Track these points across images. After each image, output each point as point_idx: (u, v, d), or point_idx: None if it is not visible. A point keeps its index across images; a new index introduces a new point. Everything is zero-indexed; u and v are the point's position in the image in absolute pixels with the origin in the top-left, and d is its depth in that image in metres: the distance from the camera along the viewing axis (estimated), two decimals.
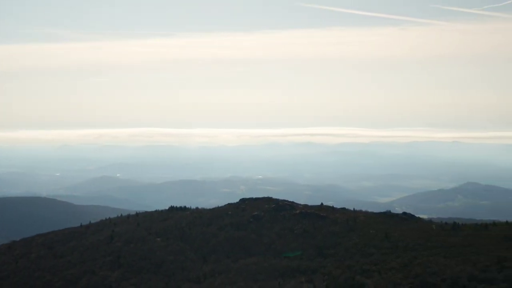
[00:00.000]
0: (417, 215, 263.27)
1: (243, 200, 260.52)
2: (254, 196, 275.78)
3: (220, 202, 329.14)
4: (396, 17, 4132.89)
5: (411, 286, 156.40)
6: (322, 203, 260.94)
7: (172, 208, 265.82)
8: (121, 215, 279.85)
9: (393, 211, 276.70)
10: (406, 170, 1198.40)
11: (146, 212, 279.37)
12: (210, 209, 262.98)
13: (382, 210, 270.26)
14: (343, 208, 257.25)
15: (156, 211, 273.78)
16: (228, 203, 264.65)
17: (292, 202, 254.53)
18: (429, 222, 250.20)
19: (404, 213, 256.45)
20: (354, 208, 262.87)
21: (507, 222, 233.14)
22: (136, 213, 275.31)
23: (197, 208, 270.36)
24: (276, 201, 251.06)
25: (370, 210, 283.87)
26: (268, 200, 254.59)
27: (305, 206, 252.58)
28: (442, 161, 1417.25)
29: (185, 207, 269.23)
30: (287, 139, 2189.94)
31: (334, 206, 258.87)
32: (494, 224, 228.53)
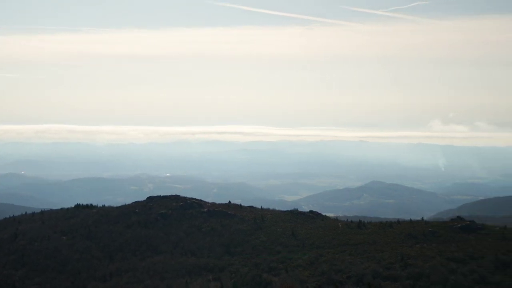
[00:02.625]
0: (323, 213, 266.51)
1: (150, 198, 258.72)
2: (162, 194, 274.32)
3: (128, 200, 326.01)
4: (304, 17, 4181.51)
5: (317, 283, 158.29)
6: (230, 201, 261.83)
7: (78, 206, 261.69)
8: (26, 213, 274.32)
9: (300, 209, 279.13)
10: (314, 168, 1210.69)
11: (51, 210, 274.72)
12: (117, 207, 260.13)
13: (289, 208, 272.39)
14: (251, 206, 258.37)
15: (62, 209, 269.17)
16: (136, 201, 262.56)
17: (200, 200, 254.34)
18: (335, 220, 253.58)
19: (311, 211, 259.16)
20: (261, 206, 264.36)
21: (411, 220, 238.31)
22: (41, 211, 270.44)
23: (104, 206, 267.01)
24: (184, 199, 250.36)
25: (277, 208, 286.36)
26: (176, 198, 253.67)
27: (213, 204, 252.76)
28: (349, 160, 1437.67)
29: (91, 205, 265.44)
30: (195, 137, 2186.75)
31: (242, 204, 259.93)
32: (398, 222, 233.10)
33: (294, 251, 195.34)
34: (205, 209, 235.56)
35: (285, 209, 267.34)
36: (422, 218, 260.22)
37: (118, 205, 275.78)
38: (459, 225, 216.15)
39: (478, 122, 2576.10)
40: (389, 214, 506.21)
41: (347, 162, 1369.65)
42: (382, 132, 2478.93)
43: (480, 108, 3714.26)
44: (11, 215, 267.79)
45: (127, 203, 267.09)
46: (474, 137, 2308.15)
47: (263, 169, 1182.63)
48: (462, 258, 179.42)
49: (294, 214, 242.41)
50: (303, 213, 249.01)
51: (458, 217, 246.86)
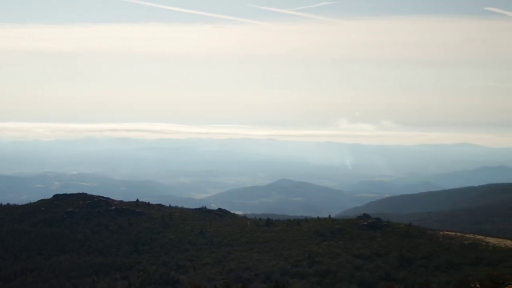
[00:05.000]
0: (232, 211, 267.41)
1: (57, 196, 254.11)
2: (69, 192, 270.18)
3: (33, 198, 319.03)
4: (213, 15, 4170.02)
5: (225, 281, 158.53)
6: (138, 199, 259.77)
7: None
8: None
9: (208, 207, 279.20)
10: (222, 166, 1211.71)
11: None
12: (22, 205, 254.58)
13: (198, 206, 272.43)
14: (159, 204, 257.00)
15: None
16: (41, 199, 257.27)
17: (108, 198, 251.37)
18: (244, 218, 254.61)
19: (220, 209, 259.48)
20: (170, 204, 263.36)
21: (318, 218, 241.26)
22: None
23: (8, 204, 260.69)
24: (91, 197, 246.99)
25: (186, 206, 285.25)
26: (83, 196, 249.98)
27: (121, 202, 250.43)
28: (258, 158, 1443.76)
29: None
30: (103, 134, 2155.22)
31: (150, 202, 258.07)
32: (306, 220, 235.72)
33: (202, 249, 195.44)
34: (113, 207, 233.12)
35: (193, 207, 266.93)
36: (329, 215, 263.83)
37: (23, 203, 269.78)
38: (365, 223, 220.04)
39: (384, 121, 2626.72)
40: (297, 212, 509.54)
41: (255, 160, 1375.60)
42: (290, 131, 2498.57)
43: (386, 107, 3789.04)
44: None
45: (32, 202, 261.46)
46: (380, 136, 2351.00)
47: (172, 167, 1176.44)
48: (368, 255, 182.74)
49: (203, 212, 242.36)
50: (211, 211, 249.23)
51: (365, 214, 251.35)
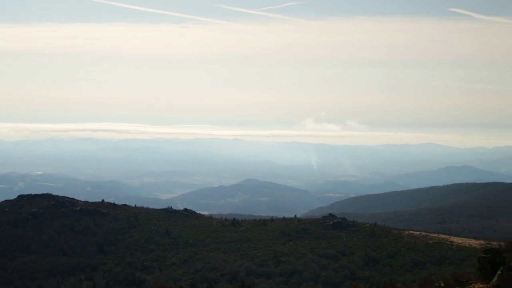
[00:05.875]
0: (198, 212, 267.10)
1: (21, 197, 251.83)
2: (33, 192, 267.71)
3: None
4: (179, 15, 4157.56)
5: (191, 281, 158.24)
6: (103, 200, 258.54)
7: None
8: None
9: (174, 207, 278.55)
10: (188, 167, 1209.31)
11: None
12: None
13: (164, 207, 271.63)
14: (125, 205, 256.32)
15: None
16: (5, 200, 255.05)
17: (73, 199, 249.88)
18: (210, 218, 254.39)
19: (185, 209, 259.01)
20: (135, 205, 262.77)
21: (284, 218, 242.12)
22: None
23: None
24: (56, 197, 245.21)
25: (151, 206, 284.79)
26: (48, 196, 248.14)
27: (86, 202, 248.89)
28: (224, 158, 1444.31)
29: None
30: (68, 134, 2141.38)
31: (116, 203, 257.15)
32: (272, 220, 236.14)
33: (168, 249, 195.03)
34: (78, 208, 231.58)
35: (159, 208, 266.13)
36: (295, 215, 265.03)
37: None
38: (331, 222, 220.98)
39: (349, 122, 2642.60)
40: (263, 211, 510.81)
41: (221, 160, 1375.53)
42: (256, 131, 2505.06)
43: (351, 107, 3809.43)
44: None
45: None
46: (346, 136, 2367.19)
47: (138, 167, 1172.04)
48: (333, 255, 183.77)
49: (168, 213, 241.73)
50: (177, 212, 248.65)
51: (330, 214, 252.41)
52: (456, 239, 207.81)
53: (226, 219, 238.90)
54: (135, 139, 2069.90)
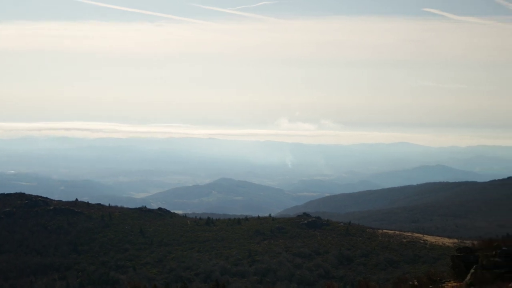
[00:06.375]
0: (172, 211, 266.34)
1: None
2: (7, 191, 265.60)
3: None
4: (153, 13, 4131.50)
5: (165, 281, 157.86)
6: (77, 199, 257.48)
7: None
8: None
9: (149, 206, 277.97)
10: (163, 166, 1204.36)
11: None
12: None
13: (138, 206, 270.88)
14: (99, 204, 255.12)
15: None
16: None
17: (46, 198, 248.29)
18: (184, 217, 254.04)
19: (160, 208, 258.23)
20: (109, 204, 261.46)
21: (258, 217, 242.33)
22: None
23: None
24: (30, 197, 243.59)
25: (126, 205, 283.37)
26: (21, 195, 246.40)
27: (60, 202, 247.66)
28: (198, 157, 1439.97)
29: None
30: (42, 133, 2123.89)
31: (90, 202, 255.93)
32: (247, 219, 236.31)
33: (142, 248, 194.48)
34: (51, 207, 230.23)
35: (133, 207, 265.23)
36: (270, 214, 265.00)
37: None
38: (305, 221, 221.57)
39: (324, 121, 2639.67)
40: (238, 211, 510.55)
41: (196, 159, 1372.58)
42: (231, 130, 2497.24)
43: (325, 107, 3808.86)
44: None
45: None
46: (320, 135, 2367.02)
47: (112, 166, 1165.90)
48: (307, 254, 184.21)
49: (143, 212, 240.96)
50: (151, 211, 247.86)
51: (304, 213, 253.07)
52: (429, 238, 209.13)
53: (200, 218, 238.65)
54: (110, 138, 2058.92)
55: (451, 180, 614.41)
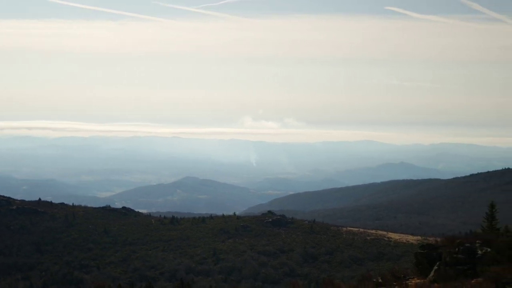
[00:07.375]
0: (136, 210, 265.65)
1: None
2: None
3: None
4: (116, 12, 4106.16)
5: (130, 280, 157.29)
6: (40, 198, 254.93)
7: None
8: None
9: (113, 205, 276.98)
10: (127, 165, 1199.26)
11: None
12: None
13: (102, 205, 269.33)
14: (62, 203, 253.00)
15: None
16: None
17: (9, 198, 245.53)
18: (148, 216, 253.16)
19: (124, 207, 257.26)
20: (73, 203, 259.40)
21: (223, 215, 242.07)
22: None
23: None
24: None
25: (89, 205, 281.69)
26: None
27: (23, 201, 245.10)
28: (163, 156, 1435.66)
29: None
30: (3, 132, 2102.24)
31: (53, 201, 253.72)
32: (211, 217, 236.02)
33: (106, 248, 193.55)
34: (14, 207, 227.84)
35: (97, 206, 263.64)
36: (234, 213, 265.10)
37: None
38: (270, 220, 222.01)
39: (287, 119, 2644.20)
40: (202, 209, 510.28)
41: (160, 158, 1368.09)
42: (195, 128, 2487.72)
43: (289, 105, 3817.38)
44: None
45: None
46: (284, 133, 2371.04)
47: (75, 165, 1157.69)
48: (272, 252, 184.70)
49: (107, 211, 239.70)
50: (115, 210, 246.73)
51: (269, 211, 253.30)
52: (393, 235, 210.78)
53: (165, 217, 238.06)
54: (72, 137, 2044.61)
55: (414, 178, 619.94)
